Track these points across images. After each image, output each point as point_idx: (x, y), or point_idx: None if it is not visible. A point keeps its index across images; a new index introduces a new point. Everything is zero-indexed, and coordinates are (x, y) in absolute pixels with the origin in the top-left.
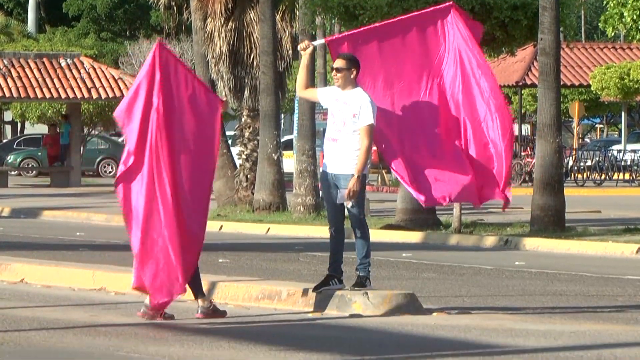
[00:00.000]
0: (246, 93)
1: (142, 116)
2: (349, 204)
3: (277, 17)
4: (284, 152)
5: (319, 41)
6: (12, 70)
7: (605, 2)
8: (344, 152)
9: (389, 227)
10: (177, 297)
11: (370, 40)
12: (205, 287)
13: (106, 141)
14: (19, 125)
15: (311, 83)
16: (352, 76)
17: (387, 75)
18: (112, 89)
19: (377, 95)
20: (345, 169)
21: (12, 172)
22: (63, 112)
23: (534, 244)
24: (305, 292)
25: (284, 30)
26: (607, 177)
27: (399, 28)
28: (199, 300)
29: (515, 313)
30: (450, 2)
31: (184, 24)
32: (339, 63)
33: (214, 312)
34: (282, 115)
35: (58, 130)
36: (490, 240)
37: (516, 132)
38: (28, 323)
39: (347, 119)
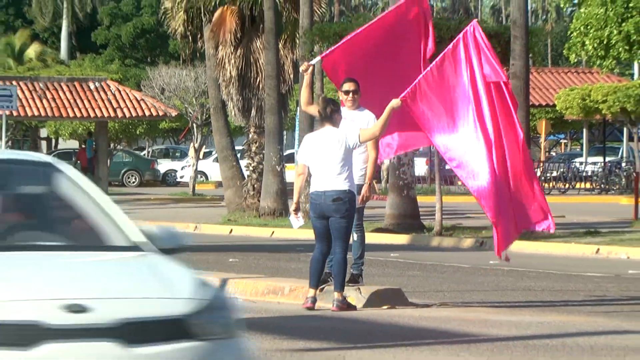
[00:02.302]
0: (253, 112)
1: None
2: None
3: (280, 45)
4: (286, 164)
5: (316, 59)
6: (47, 92)
7: (569, 32)
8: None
9: (379, 230)
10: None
11: (357, 44)
12: (216, 284)
13: (130, 155)
14: (53, 141)
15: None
16: (358, 97)
17: (385, 68)
18: (135, 109)
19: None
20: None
21: None
22: (89, 131)
23: None
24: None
25: (286, 57)
26: (571, 186)
27: (378, 27)
28: (336, 294)
29: (490, 306)
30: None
31: (198, 51)
32: (351, 86)
33: (348, 306)
34: (285, 132)
35: (83, 146)
36: (467, 242)
37: None
38: None
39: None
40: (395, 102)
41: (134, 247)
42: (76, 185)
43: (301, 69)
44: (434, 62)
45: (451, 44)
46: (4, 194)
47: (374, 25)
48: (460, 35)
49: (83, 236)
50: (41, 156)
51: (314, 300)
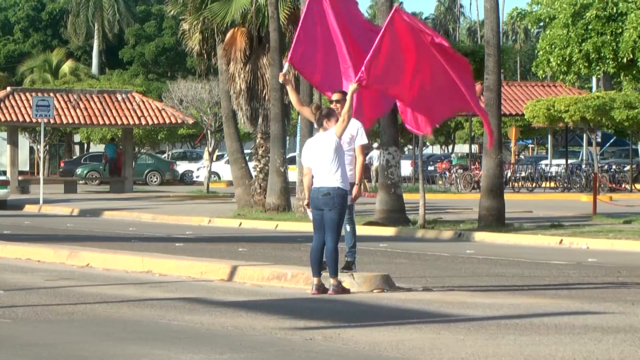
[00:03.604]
0: (260, 120)
1: None
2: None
3: (284, 61)
4: (289, 165)
5: (285, 66)
6: (80, 103)
7: (536, 51)
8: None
9: (370, 223)
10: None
11: (307, 38)
12: (227, 270)
13: (152, 157)
14: (85, 145)
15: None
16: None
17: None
18: (157, 117)
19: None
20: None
21: (80, 182)
22: (111, 136)
23: (481, 236)
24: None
25: (289, 71)
26: (537, 185)
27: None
28: (331, 279)
29: (467, 290)
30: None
31: (212, 67)
32: (337, 96)
33: (342, 290)
34: (287, 137)
35: (105, 150)
36: (447, 233)
37: (467, 151)
38: (92, 298)
39: (344, 139)
40: (353, 87)
41: None
42: None
43: (280, 80)
44: (374, 45)
45: (383, 27)
46: None
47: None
48: (387, 21)
49: None
50: None
51: (319, 287)
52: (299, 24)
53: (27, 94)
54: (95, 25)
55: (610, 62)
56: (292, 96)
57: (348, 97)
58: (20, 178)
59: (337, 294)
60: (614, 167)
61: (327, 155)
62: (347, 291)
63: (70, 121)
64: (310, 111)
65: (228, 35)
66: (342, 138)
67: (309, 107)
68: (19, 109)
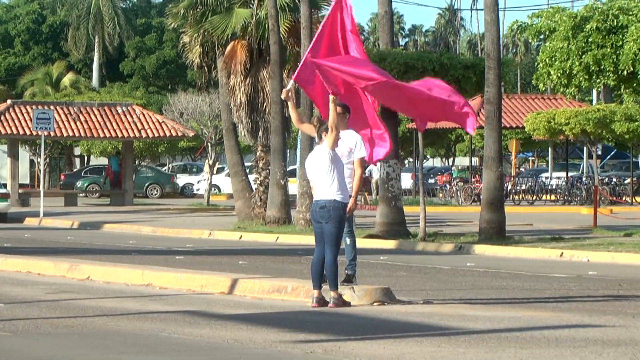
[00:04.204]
0: (260, 133)
1: None
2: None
3: (284, 74)
4: (289, 178)
5: (290, 83)
6: (80, 115)
7: (536, 63)
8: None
9: (370, 236)
10: None
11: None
12: (228, 283)
13: (152, 170)
14: (86, 158)
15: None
16: (346, 119)
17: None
18: (157, 130)
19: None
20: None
21: (80, 195)
22: (116, 150)
23: (482, 249)
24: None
25: (292, 89)
26: (538, 198)
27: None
28: (331, 292)
29: (467, 303)
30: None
31: (212, 80)
32: (338, 109)
33: (343, 302)
34: (288, 150)
35: (110, 163)
36: (447, 246)
37: (467, 164)
38: (92, 311)
39: (342, 152)
40: (331, 98)
41: None
42: None
43: (282, 96)
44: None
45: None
46: None
47: (323, 38)
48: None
49: None
50: None
51: (319, 300)
52: (314, 39)
53: (28, 106)
54: (95, 38)
55: (611, 75)
56: (293, 113)
57: (330, 109)
58: (20, 191)
59: (337, 307)
60: (614, 179)
61: (323, 168)
62: (347, 304)
63: (71, 134)
64: (310, 127)
65: (228, 48)
66: (340, 151)
67: (309, 123)
68: (20, 121)
